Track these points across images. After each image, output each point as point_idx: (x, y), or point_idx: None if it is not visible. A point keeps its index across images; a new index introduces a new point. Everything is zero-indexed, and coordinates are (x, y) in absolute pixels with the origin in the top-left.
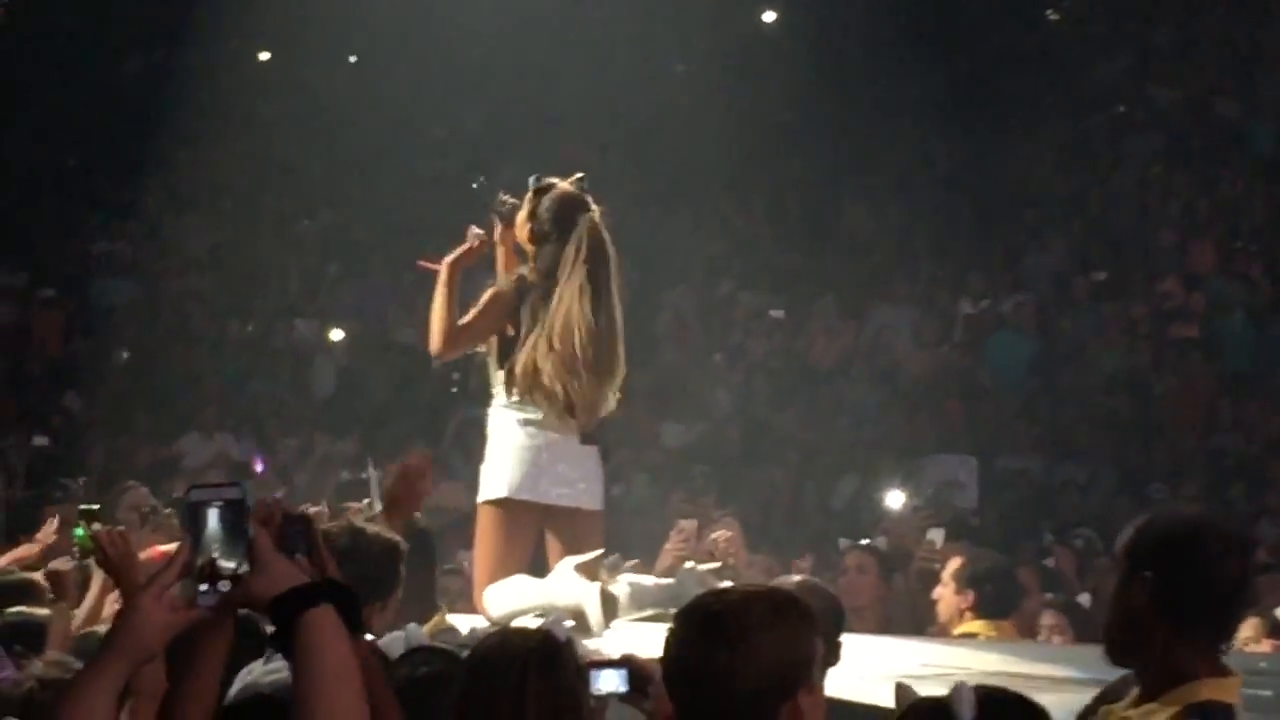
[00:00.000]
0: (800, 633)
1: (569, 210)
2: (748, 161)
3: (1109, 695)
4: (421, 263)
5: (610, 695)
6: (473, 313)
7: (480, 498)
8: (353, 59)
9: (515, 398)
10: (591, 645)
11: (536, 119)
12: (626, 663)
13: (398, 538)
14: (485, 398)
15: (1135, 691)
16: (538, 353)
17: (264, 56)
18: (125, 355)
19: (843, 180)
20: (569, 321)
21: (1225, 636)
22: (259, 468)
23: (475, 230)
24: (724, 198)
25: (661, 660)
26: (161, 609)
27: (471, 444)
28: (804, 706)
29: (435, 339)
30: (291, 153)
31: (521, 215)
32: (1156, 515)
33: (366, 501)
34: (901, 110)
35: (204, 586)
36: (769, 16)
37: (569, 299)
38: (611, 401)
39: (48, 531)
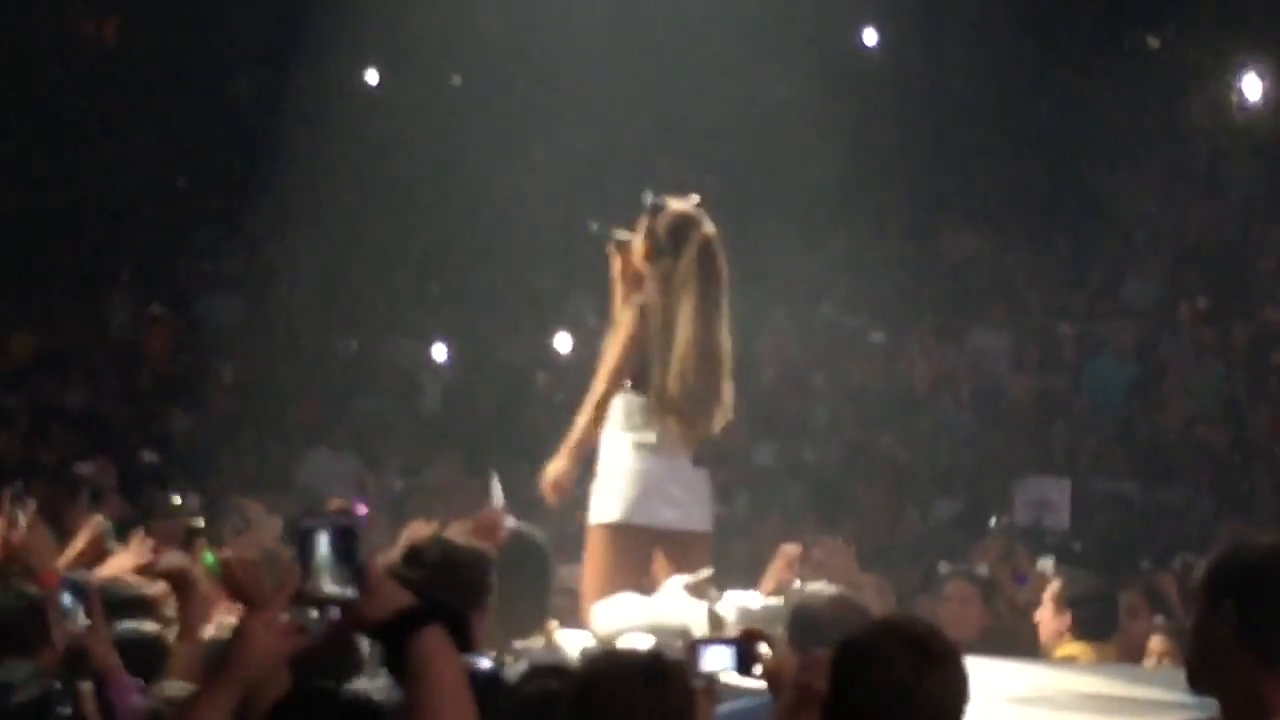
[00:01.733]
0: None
1: (684, 226)
2: (848, 184)
3: None
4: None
5: (717, 673)
6: (611, 357)
7: (593, 519)
8: (457, 80)
9: (633, 420)
10: None
11: (639, 141)
12: (734, 640)
13: (487, 547)
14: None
15: None
16: (665, 376)
17: (371, 77)
18: (230, 372)
19: (943, 204)
20: (687, 345)
21: None
22: (361, 510)
23: None
24: (825, 220)
25: (843, 668)
26: (273, 634)
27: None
28: None
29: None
30: (396, 172)
31: (636, 239)
32: (1236, 544)
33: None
34: (1002, 134)
35: (314, 613)
36: (870, 39)
37: (685, 322)
38: (720, 420)
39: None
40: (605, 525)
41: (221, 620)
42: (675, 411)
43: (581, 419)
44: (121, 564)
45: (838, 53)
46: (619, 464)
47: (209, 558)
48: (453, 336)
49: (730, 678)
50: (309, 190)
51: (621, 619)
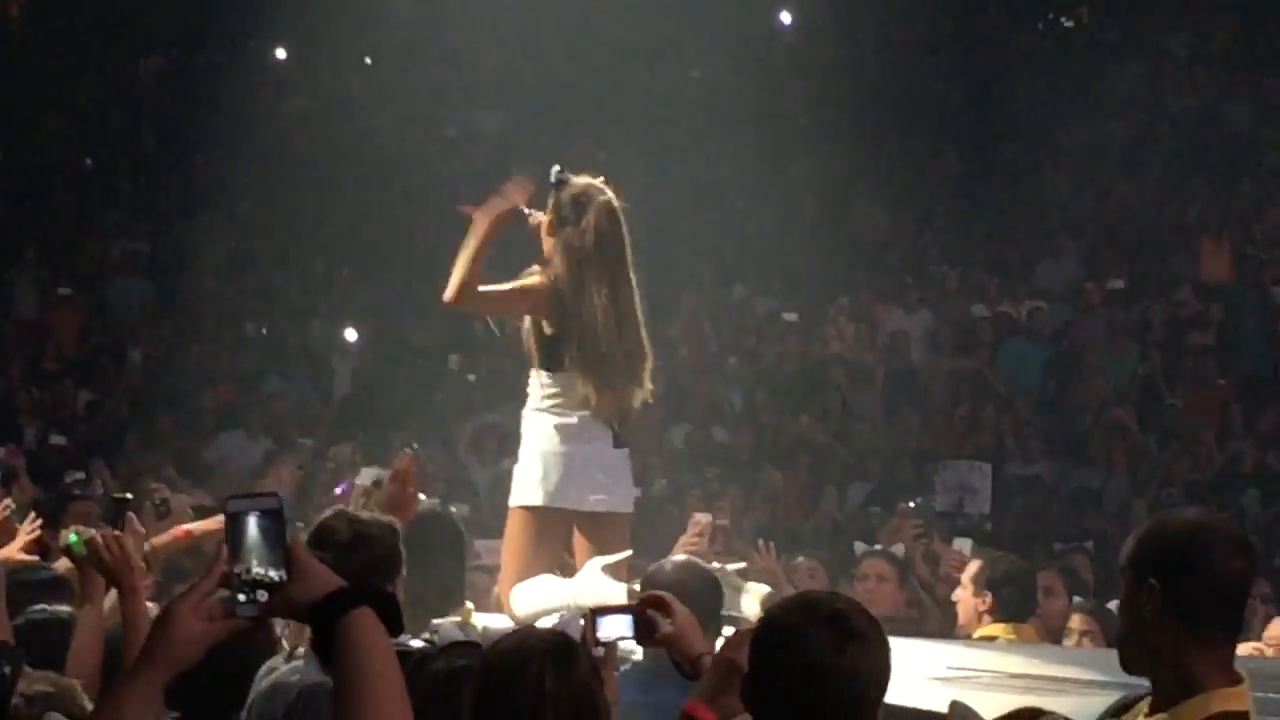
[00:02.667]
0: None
1: (586, 196)
2: (762, 165)
3: (1128, 702)
4: (460, 207)
5: (616, 640)
6: (502, 286)
7: (513, 501)
8: (369, 60)
9: (553, 402)
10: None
11: (551, 121)
12: (631, 608)
13: (392, 518)
14: (503, 401)
15: (1146, 701)
16: (580, 345)
17: (281, 55)
18: (139, 355)
19: (857, 185)
20: (602, 312)
21: (1233, 640)
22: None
23: (514, 184)
24: (738, 201)
25: (764, 645)
26: (199, 619)
27: (487, 448)
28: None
29: (450, 286)
30: (307, 153)
31: (545, 214)
32: (1156, 522)
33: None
34: (917, 115)
35: (243, 596)
36: (785, 19)
37: (595, 291)
38: (640, 394)
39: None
40: (526, 508)
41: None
42: (594, 377)
43: (468, 269)
44: (8, 550)
45: (753, 34)
46: (540, 446)
47: (73, 538)
48: (365, 319)
49: (629, 645)
50: (218, 171)
51: (539, 601)
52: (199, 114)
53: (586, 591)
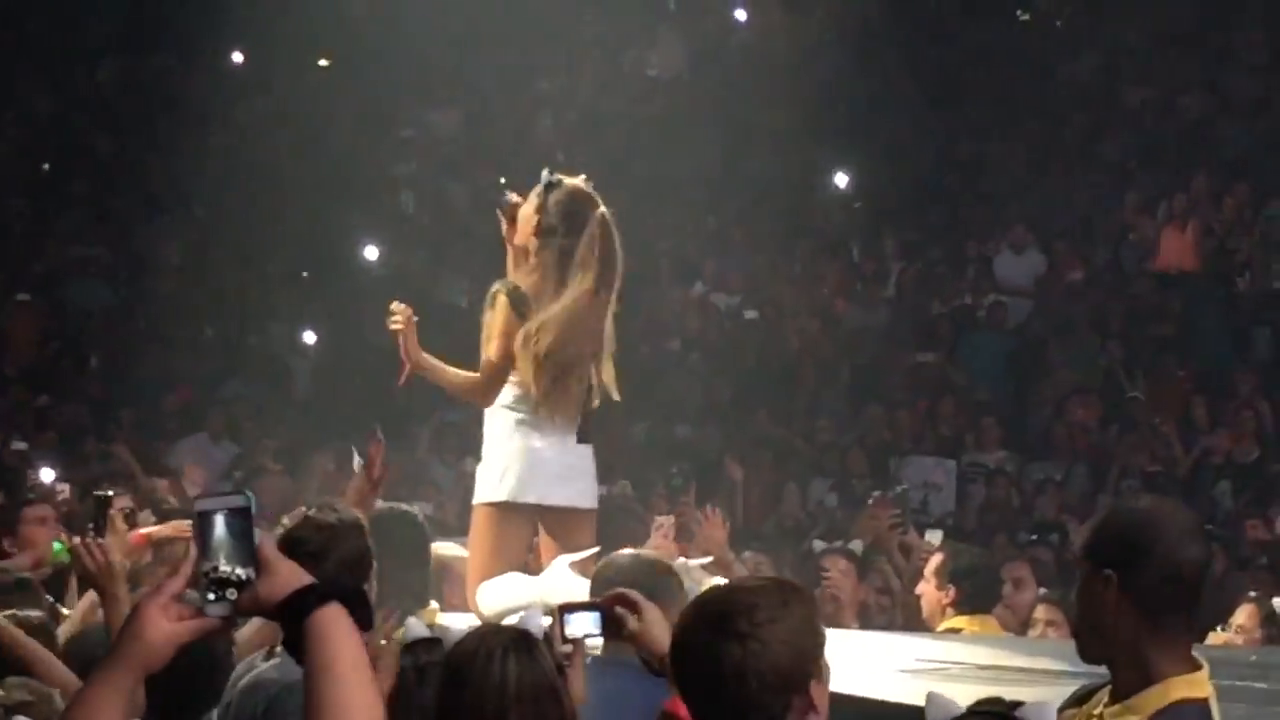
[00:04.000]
0: (807, 622)
1: (579, 207)
2: (720, 162)
3: (1088, 691)
4: (399, 382)
5: (584, 638)
6: (494, 346)
7: (478, 499)
8: (324, 62)
9: (516, 398)
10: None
11: (508, 121)
12: (598, 605)
13: (358, 514)
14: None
15: (1107, 690)
16: (546, 352)
17: (238, 59)
18: (95, 360)
19: (815, 181)
20: (567, 315)
21: (1193, 627)
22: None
23: (399, 315)
24: (698, 198)
25: (670, 654)
26: (169, 618)
27: (448, 447)
28: (814, 694)
29: (476, 400)
30: (263, 156)
31: (526, 210)
32: (1111, 512)
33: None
34: (874, 112)
35: (212, 595)
36: (740, 15)
37: (577, 301)
38: (591, 399)
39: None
40: (492, 504)
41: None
42: (556, 375)
43: (463, 376)
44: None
45: (709, 30)
46: (502, 443)
47: (57, 545)
48: (323, 320)
49: (597, 643)
50: (175, 175)
51: (506, 598)
52: (155, 118)
53: (554, 589)
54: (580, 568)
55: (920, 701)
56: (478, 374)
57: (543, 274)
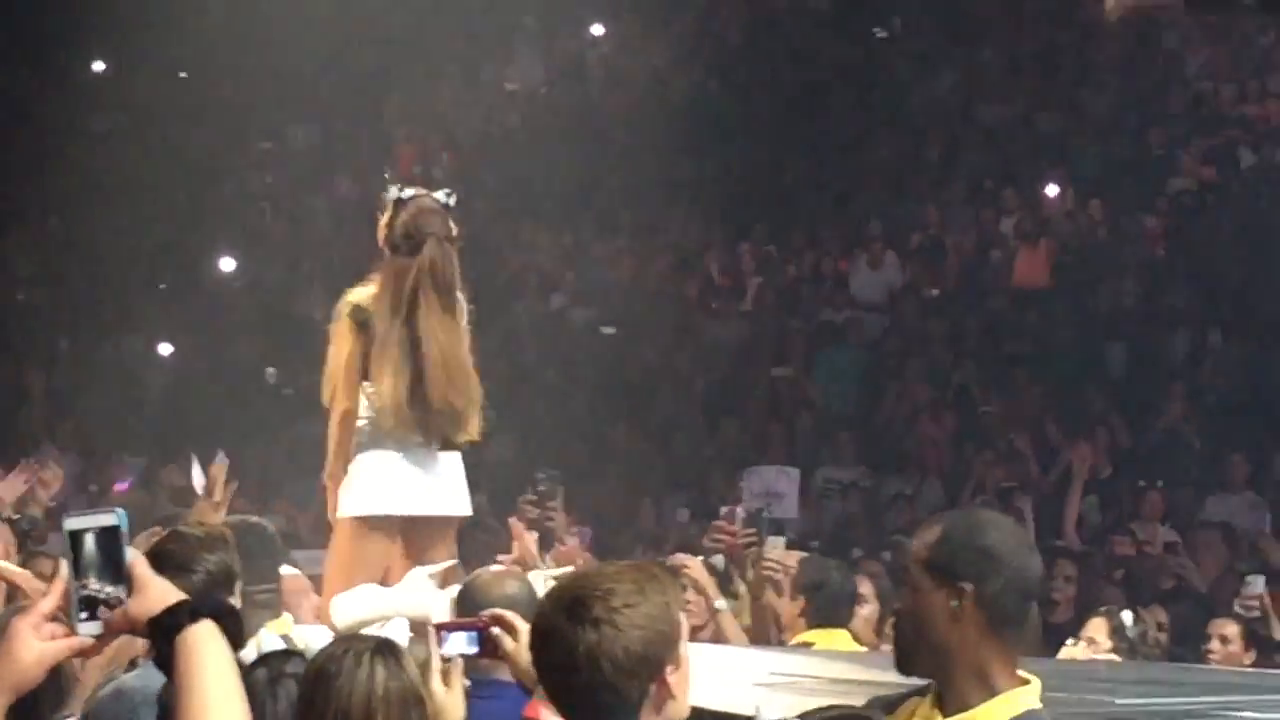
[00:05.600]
0: (665, 609)
1: (419, 229)
2: (578, 177)
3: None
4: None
5: (459, 656)
6: (340, 374)
7: (339, 513)
8: (183, 74)
9: (373, 411)
10: None
11: (364, 134)
12: (475, 625)
13: (224, 528)
14: (319, 414)
15: (923, 701)
16: (395, 386)
17: (98, 68)
18: None
19: (674, 195)
20: (436, 365)
21: (1022, 638)
22: (121, 486)
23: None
24: (556, 213)
25: (530, 641)
26: (41, 638)
27: (304, 460)
28: (672, 682)
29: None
30: (120, 167)
31: (382, 220)
32: (953, 524)
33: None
34: (732, 125)
35: (84, 614)
36: (599, 30)
37: (429, 336)
38: (475, 424)
39: None
40: (351, 518)
41: None
42: (425, 427)
43: (333, 437)
44: None
45: (567, 45)
46: (365, 454)
47: None
48: (180, 333)
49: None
50: (30, 186)
51: (360, 610)
52: (10, 129)
53: (407, 601)
54: (438, 579)
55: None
56: (341, 422)
57: (382, 285)
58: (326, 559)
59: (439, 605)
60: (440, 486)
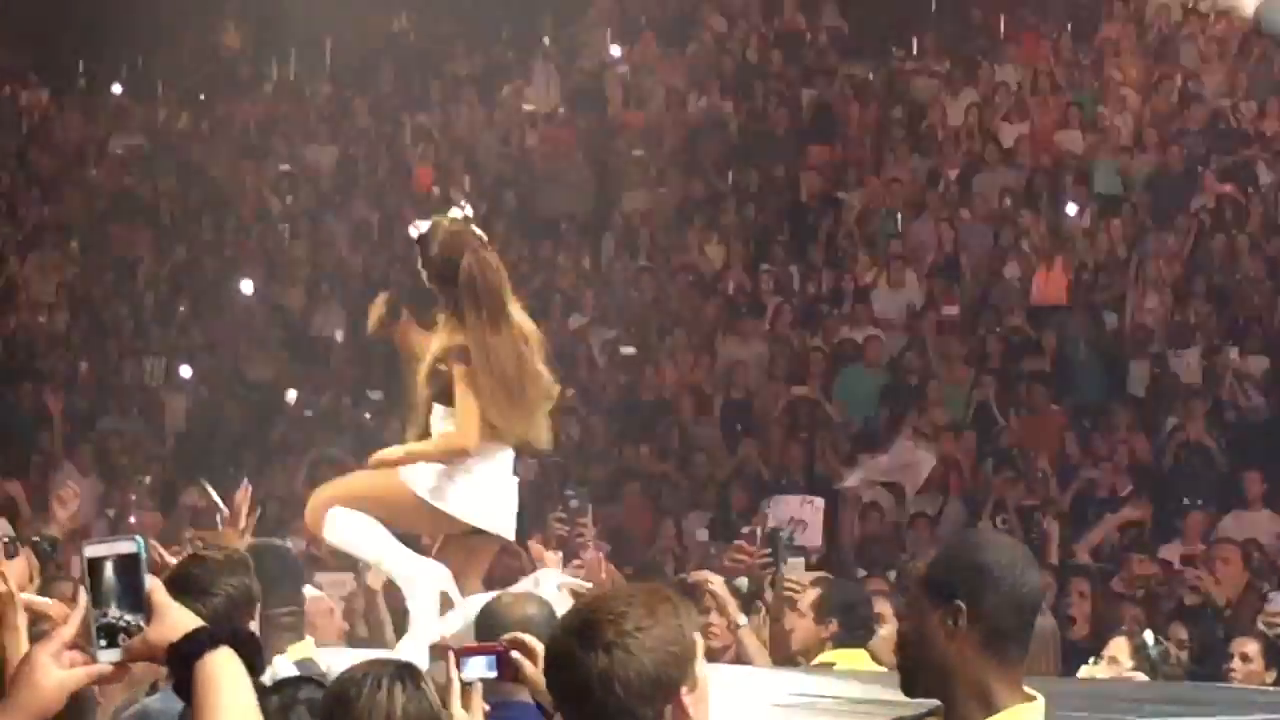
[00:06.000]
0: (677, 631)
1: (450, 252)
2: (598, 198)
3: None
4: None
5: (478, 680)
6: (463, 406)
7: (403, 477)
8: (202, 96)
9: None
10: None
11: (383, 155)
12: (494, 649)
13: (244, 552)
14: (340, 436)
15: None
16: (485, 405)
17: (116, 91)
18: None
19: (692, 215)
20: (497, 366)
21: (1024, 657)
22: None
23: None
24: (575, 233)
25: (544, 665)
26: (61, 665)
27: (324, 482)
28: (687, 704)
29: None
30: (140, 189)
31: (419, 263)
32: (953, 545)
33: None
34: (750, 145)
35: (103, 642)
36: (616, 51)
37: (495, 354)
38: (544, 426)
39: None
40: (413, 492)
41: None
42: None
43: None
44: None
45: (586, 67)
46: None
47: None
48: (200, 354)
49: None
50: (51, 208)
51: (355, 538)
52: (29, 151)
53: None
54: (566, 592)
55: None
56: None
57: (444, 322)
58: (356, 473)
59: (438, 572)
60: (500, 504)
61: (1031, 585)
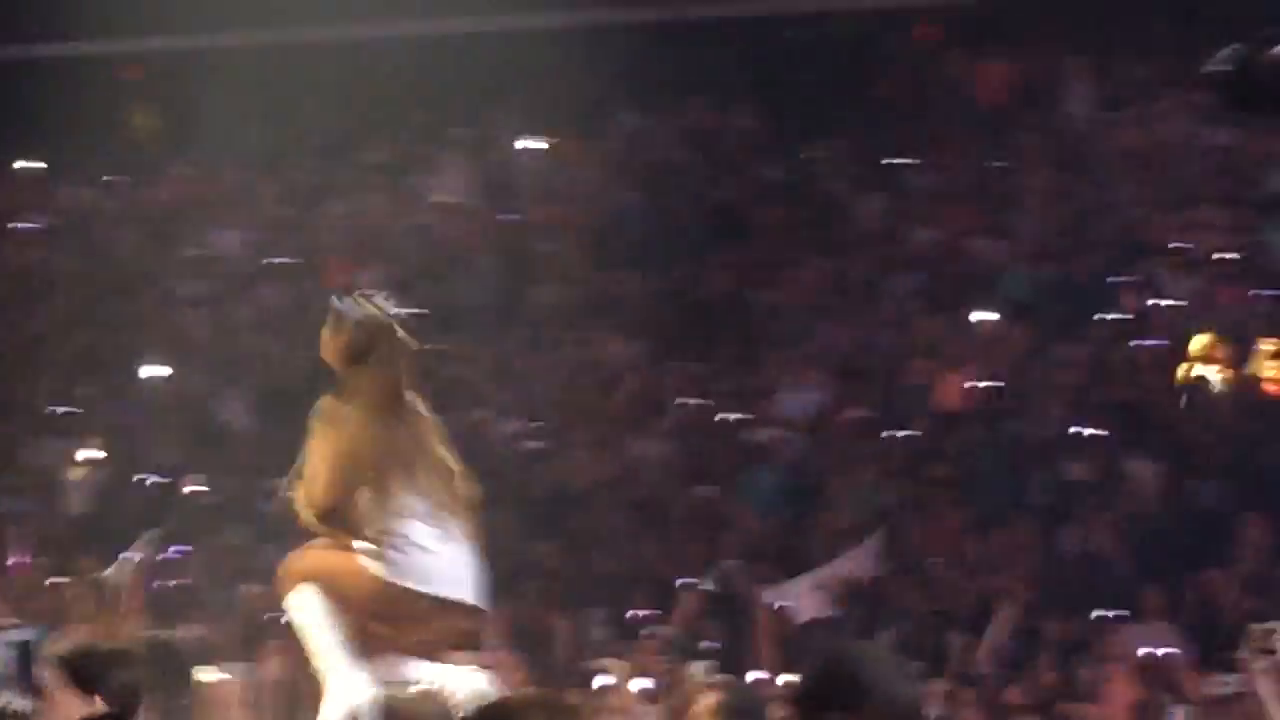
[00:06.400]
0: None
1: (373, 336)
2: (506, 290)
3: None
4: None
5: None
6: (325, 474)
7: (369, 569)
8: (108, 178)
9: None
10: None
11: (293, 242)
12: None
13: (135, 642)
14: (241, 523)
15: None
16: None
17: (22, 167)
18: None
19: (600, 310)
20: (428, 472)
21: None
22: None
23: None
24: (480, 326)
25: None
26: None
27: (224, 570)
28: None
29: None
30: (45, 269)
31: (327, 336)
32: (827, 657)
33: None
34: (660, 240)
35: None
36: (528, 144)
37: (412, 446)
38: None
39: None
40: (384, 581)
41: None
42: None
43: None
44: None
45: (496, 159)
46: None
47: None
48: (102, 437)
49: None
50: None
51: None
52: None
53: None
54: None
55: None
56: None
57: (362, 393)
58: (313, 549)
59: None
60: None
61: (904, 698)
